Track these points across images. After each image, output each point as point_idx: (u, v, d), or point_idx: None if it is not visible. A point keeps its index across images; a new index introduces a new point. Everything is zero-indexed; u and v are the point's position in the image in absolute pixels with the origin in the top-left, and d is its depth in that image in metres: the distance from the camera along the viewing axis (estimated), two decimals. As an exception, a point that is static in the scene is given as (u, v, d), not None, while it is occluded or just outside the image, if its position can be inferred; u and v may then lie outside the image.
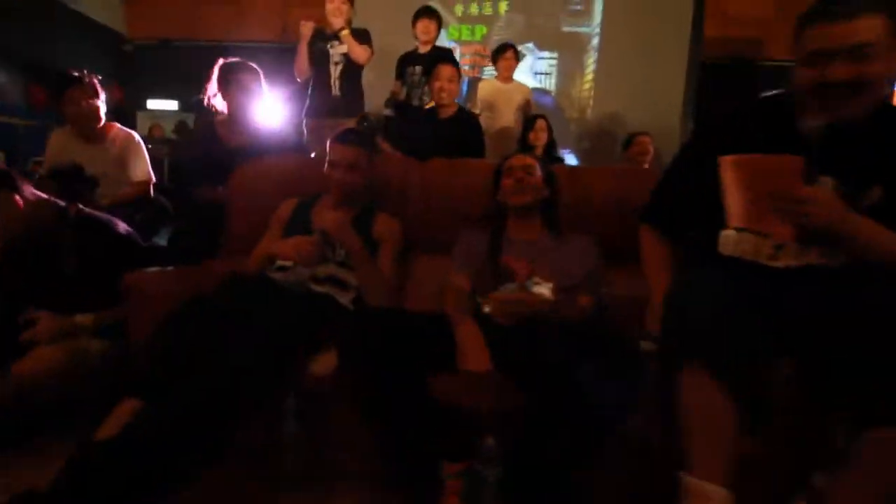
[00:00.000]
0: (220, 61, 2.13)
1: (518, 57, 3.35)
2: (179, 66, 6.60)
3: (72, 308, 1.47)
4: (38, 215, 1.46)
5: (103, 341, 1.47)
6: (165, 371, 1.08)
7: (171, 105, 6.66)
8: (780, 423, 1.07)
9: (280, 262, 1.49)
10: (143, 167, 2.31)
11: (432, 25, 3.02)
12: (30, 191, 1.47)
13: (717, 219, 1.14)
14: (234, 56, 2.17)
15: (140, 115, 6.35)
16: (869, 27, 0.98)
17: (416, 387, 1.10)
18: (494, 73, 3.43)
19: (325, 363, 1.22)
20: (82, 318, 1.47)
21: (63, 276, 1.50)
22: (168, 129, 6.06)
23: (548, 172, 1.56)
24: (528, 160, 1.55)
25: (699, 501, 0.95)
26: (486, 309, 1.28)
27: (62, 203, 1.54)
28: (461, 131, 2.53)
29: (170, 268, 1.54)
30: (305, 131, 3.03)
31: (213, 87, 2.10)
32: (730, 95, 5.15)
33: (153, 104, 6.61)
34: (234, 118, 2.11)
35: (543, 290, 1.36)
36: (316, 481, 1.24)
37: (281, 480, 1.22)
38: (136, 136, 2.35)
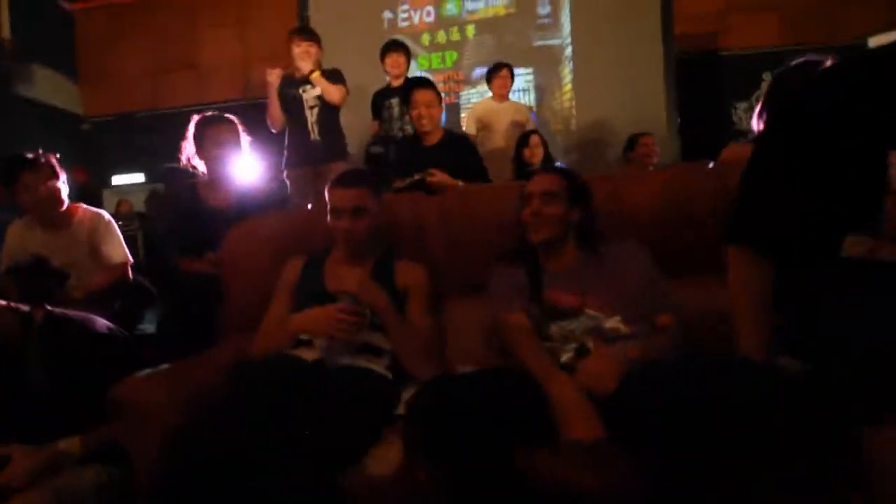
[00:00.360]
0: (195, 118, 1.94)
1: (512, 75, 3.25)
2: (142, 138, 6.42)
3: (50, 433, 1.19)
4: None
5: (97, 468, 1.18)
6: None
7: (138, 178, 6.43)
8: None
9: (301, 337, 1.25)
10: (118, 248, 2.05)
11: (401, 58, 2.95)
12: (-17, 298, 1.21)
13: (837, 221, 0.89)
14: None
15: (106, 193, 6.11)
16: None
17: (509, 469, 0.85)
18: (471, 98, 3.33)
19: (385, 460, 0.96)
20: (66, 444, 1.19)
21: (33, 395, 1.23)
22: (137, 202, 5.78)
23: (576, 189, 1.32)
24: (549, 184, 1.29)
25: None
26: (564, 359, 1.05)
27: (24, 307, 1.28)
28: (452, 156, 2.31)
29: (164, 365, 1.28)
30: (288, 183, 2.82)
31: (189, 146, 1.91)
32: (700, 89, 5.22)
33: (118, 179, 6.38)
34: (214, 176, 1.92)
35: (614, 323, 1.14)
36: None
37: None
38: (106, 215, 2.10)
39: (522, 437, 0.90)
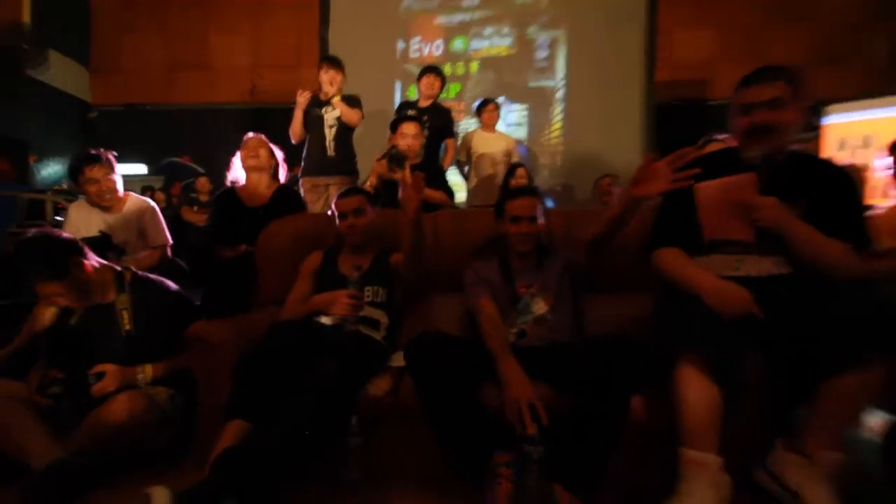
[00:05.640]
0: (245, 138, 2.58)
1: (499, 109, 3.86)
2: (147, 131, 6.92)
3: (131, 361, 1.70)
4: (102, 279, 1.72)
5: (167, 389, 1.70)
6: (261, 396, 1.36)
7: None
8: (751, 401, 1.42)
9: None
10: (161, 232, 2.58)
11: (437, 82, 3.55)
12: (94, 258, 1.73)
13: (694, 244, 1.55)
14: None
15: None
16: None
17: (469, 394, 1.43)
18: (470, 127, 3.89)
19: (379, 386, 1.52)
20: (141, 369, 1.70)
21: (122, 332, 1.74)
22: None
23: (542, 205, 1.81)
24: (532, 208, 1.75)
25: (700, 468, 1.27)
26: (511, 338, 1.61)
27: (117, 267, 1.80)
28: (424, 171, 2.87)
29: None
30: (302, 189, 3.36)
31: (237, 160, 2.56)
32: (682, 133, 5.84)
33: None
34: (249, 185, 2.55)
35: (540, 304, 1.69)
36: (376, 485, 1.52)
37: (346, 484, 1.48)
38: (152, 203, 2.63)
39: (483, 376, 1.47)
